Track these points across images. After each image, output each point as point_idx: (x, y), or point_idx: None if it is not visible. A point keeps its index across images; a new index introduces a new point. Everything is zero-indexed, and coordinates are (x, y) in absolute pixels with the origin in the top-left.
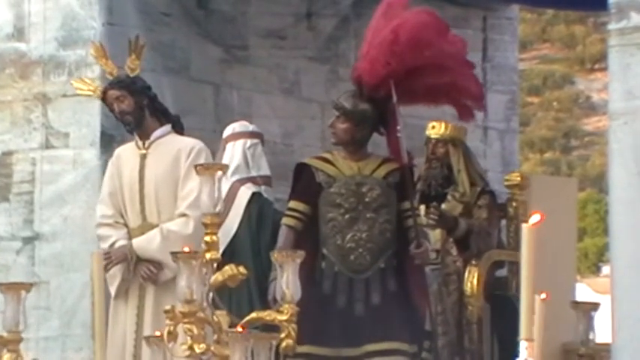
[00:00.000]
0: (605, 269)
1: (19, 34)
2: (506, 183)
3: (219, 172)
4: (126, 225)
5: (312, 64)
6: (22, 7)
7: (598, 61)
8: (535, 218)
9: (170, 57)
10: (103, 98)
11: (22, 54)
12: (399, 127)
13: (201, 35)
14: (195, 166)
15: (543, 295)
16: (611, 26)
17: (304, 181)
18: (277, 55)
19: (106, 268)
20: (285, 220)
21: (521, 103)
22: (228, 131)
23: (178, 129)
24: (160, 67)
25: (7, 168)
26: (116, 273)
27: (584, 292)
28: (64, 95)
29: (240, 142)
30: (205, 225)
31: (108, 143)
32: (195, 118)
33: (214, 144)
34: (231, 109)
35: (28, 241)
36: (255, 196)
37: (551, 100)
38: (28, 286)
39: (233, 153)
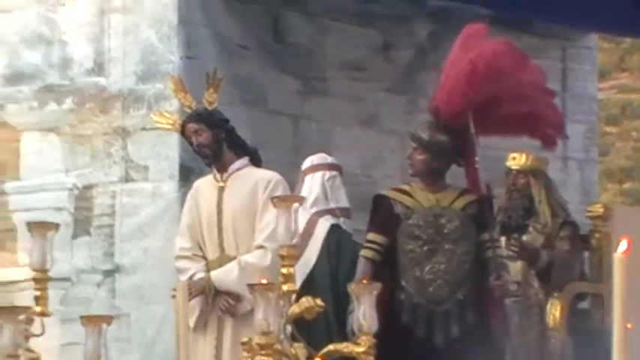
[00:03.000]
0: None
1: (99, 68)
2: (589, 214)
3: (296, 204)
4: (204, 257)
5: (390, 95)
6: (101, 42)
7: None
8: (623, 245)
9: (247, 89)
10: (182, 131)
11: (102, 88)
12: (477, 158)
13: (278, 68)
14: (272, 199)
15: (628, 325)
16: None
17: (382, 213)
18: (355, 87)
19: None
20: (363, 252)
21: (600, 132)
22: (306, 164)
23: (256, 161)
24: (238, 99)
25: (87, 201)
26: (195, 305)
27: None
28: (144, 129)
29: (318, 175)
30: (282, 257)
31: (186, 176)
32: (273, 150)
33: (292, 176)
34: (310, 141)
35: (109, 273)
36: (333, 228)
37: (629, 130)
38: (108, 319)
39: (312, 185)
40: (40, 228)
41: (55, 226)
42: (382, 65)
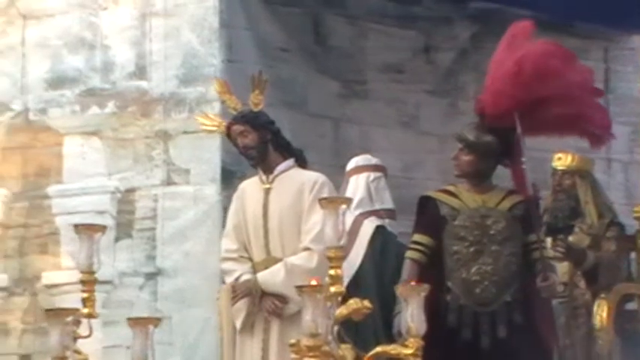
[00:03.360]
0: None
1: (140, 72)
2: (636, 215)
3: (343, 206)
4: (250, 259)
5: (431, 97)
6: (143, 45)
7: None
8: None
9: (289, 92)
10: (227, 133)
11: (143, 92)
12: (523, 159)
13: (319, 70)
14: (319, 200)
15: None
16: None
17: (428, 214)
18: (396, 89)
19: (232, 302)
20: (409, 254)
21: None
22: (351, 165)
23: (301, 163)
24: (279, 102)
25: (129, 205)
26: (241, 307)
27: None
28: (185, 132)
29: (363, 176)
30: (329, 258)
31: (228, 179)
32: (314, 152)
33: (333, 178)
34: (351, 144)
35: (151, 276)
36: (379, 229)
37: None
38: (155, 321)
39: (356, 186)
40: (87, 230)
41: (102, 229)
42: (423, 67)
